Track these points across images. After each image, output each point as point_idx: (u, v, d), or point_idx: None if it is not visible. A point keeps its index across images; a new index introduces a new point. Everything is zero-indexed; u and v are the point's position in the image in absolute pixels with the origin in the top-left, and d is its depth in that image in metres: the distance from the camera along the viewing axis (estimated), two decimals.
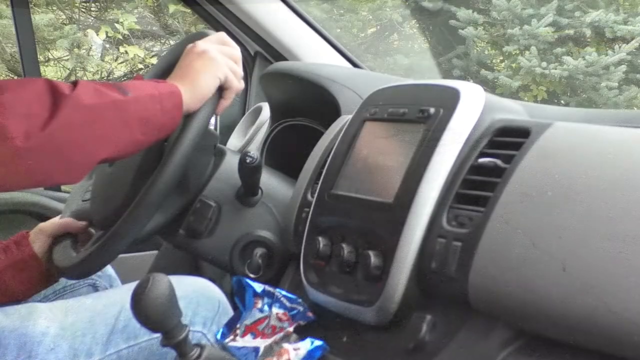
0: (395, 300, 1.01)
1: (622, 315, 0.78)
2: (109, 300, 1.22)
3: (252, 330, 1.13)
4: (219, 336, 1.14)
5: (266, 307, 1.15)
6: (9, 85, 1.01)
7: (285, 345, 1.05)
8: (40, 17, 5.74)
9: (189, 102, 1.18)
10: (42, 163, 1.00)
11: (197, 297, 1.21)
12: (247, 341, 1.11)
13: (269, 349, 1.07)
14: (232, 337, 1.13)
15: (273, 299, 1.15)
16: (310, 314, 1.12)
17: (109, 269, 1.51)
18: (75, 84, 1.07)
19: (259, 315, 1.15)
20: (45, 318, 1.18)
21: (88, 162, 1.07)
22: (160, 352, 1.19)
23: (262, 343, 1.08)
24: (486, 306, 0.91)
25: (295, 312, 1.13)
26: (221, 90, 1.24)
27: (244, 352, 1.08)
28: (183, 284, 1.29)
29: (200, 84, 1.19)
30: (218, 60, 1.22)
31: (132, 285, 1.24)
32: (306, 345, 1.05)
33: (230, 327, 1.16)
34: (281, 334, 1.09)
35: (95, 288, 1.49)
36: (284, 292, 1.15)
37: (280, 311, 1.14)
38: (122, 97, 1.10)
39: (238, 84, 1.25)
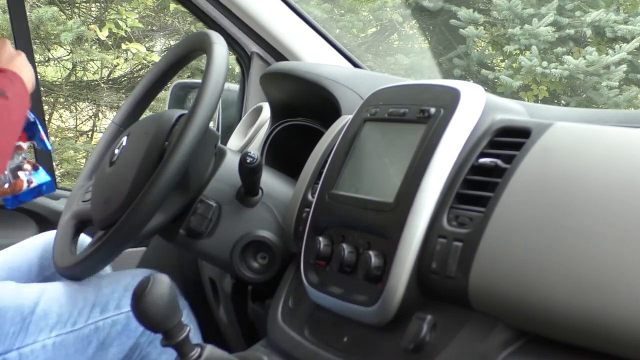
0: (395, 300, 1.01)
1: (623, 315, 0.78)
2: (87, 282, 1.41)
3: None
4: None
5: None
6: None
7: (22, 176, 1.11)
8: (44, 10, 5.73)
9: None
10: None
11: None
12: None
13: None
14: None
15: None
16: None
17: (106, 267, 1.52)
18: None
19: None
20: (35, 290, 1.37)
21: None
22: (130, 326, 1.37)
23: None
24: (487, 306, 0.91)
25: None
26: None
27: None
28: (129, 276, 1.44)
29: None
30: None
31: (110, 276, 1.44)
32: (40, 177, 1.10)
33: None
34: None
35: None
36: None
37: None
38: (5, 100, 1.17)
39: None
